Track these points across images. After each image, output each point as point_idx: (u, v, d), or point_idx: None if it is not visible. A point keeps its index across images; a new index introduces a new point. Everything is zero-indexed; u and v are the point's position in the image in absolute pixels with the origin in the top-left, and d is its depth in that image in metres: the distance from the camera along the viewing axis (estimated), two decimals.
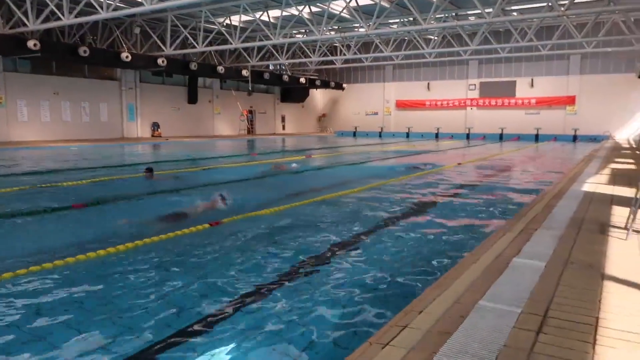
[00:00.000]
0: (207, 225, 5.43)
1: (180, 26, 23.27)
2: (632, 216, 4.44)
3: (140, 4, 16.01)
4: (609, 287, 3.03)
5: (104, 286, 3.88)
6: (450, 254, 4.85)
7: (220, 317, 3.32)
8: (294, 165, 12.80)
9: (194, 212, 6.32)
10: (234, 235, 5.39)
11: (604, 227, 4.69)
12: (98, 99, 25.63)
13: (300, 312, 3.36)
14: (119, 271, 4.22)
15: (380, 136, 35.75)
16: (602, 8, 16.82)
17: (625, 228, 4.50)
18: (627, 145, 21.03)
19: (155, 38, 24.51)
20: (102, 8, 16.00)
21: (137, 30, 24.15)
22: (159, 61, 24.11)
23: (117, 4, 18.35)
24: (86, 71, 25.20)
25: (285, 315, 3.31)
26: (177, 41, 24.02)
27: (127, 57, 22.72)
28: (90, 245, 4.83)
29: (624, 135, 29.48)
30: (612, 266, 3.43)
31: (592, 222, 4.94)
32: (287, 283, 3.97)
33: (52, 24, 17.66)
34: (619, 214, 5.30)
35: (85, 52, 20.98)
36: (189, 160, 14.95)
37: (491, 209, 7.33)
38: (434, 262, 4.57)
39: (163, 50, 24.20)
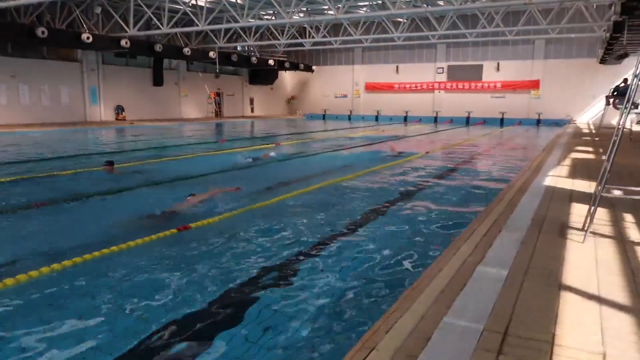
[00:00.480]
0: (174, 231, 5.32)
1: (143, 6, 22.49)
2: (589, 218, 4.61)
3: None
4: (565, 298, 3.15)
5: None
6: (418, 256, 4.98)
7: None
8: (272, 153, 12.79)
9: (159, 214, 6.18)
10: (205, 241, 5.26)
11: (563, 229, 4.86)
12: (58, 82, 24.71)
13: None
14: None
15: (349, 119, 35.87)
16: None
17: (583, 229, 4.68)
18: (587, 131, 21.73)
19: (118, 18, 23.67)
20: None
21: (98, 10, 23.27)
22: (122, 42, 23.34)
23: None
24: (45, 52, 24.18)
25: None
26: (141, 22, 23.24)
27: (88, 38, 21.91)
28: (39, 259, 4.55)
29: (584, 119, 30.44)
30: (569, 274, 3.57)
31: (552, 222, 5.11)
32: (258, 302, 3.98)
33: (6, 4, 16.82)
34: (578, 212, 5.50)
35: (43, 33, 20.11)
36: (154, 149, 14.59)
37: (458, 205, 7.49)
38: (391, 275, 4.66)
39: (126, 31, 23.40)
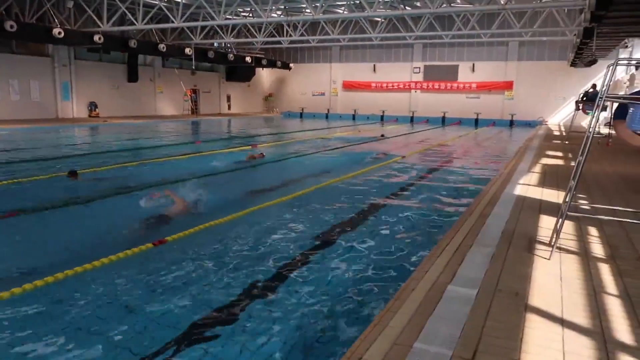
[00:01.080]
0: (150, 245, 5.28)
1: (117, 1, 22.06)
2: (555, 234, 4.77)
3: None
4: (531, 320, 3.28)
5: None
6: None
7: None
8: (260, 152, 13.30)
9: (129, 228, 6.07)
10: (185, 256, 5.19)
11: (531, 243, 5.02)
12: (28, 77, 24.11)
13: None
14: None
15: (327, 118, 35.91)
16: (537, 4, 17.56)
17: (550, 244, 4.85)
18: (558, 133, 22.29)
19: (91, 13, 23.17)
20: None
21: (70, 4, 22.71)
22: (95, 38, 22.84)
23: None
24: (14, 46, 23.52)
25: None
26: (115, 17, 22.79)
27: (59, 33, 21.39)
28: None
29: (556, 120, 31.21)
30: (535, 294, 3.71)
31: (521, 236, 5.27)
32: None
33: None
34: (546, 225, 5.68)
35: (11, 26, 19.55)
36: (126, 151, 14.28)
37: (433, 217, 7.66)
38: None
39: (99, 26, 22.91)
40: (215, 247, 5.56)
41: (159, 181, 9.28)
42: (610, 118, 5.88)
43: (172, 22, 22.37)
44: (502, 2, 16.53)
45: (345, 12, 25.04)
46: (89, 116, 26.64)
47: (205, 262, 5.05)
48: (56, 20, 23.16)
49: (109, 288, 4.33)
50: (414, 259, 5.58)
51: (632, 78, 25.88)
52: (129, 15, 22.60)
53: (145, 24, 22.80)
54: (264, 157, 12.87)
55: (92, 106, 26.94)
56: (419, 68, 35.51)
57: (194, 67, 30.42)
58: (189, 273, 4.74)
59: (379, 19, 28.67)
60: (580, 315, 3.39)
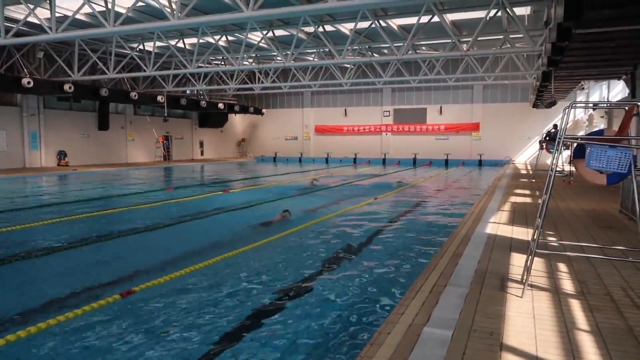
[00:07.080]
0: (117, 297, 5.12)
1: (88, 51, 22.19)
2: (526, 272, 4.85)
3: (44, 32, 15.01)
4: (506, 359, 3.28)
5: None
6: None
7: None
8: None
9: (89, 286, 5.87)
10: (151, 309, 5.10)
11: (503, 282, 5.08)
12: None
13: None
14: None
15: (300, 162, 36.16)
16: (497, 50, 18.51)
17: (522, 282, 4.92)
18: (525, 172, 22.97)
19: (61, 63, 23.16)
20: None
21: (40, 55, 22.70)
22: (66, 87, 22.78)
23: (20, 27, 16.67)
24: None
25: None
26: (86, 66, 22.83)
27: (28, 82, 21.26)
28: None
29: (522, 159, 32.23)
30: (509, 333, 3.73)
31: (494, 275, 5.33)
32: None
33: None
34: (517, 263, 5.77)
35: None
36: (85, 202, 13.64)
37: (406, 261, 7.69)
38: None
39: (70, 76, 22.87)
40: None
41: (123, 230, 9.05)
42: (570, 157, 6.12)
43: (144, 70, 22.52)
44: (465, 49, 17.34)
45: (315, 60, 25.78)
46: (58, 165, 26.15)
47: None
48: (25, 70, 23.06)
49: None
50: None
51: (590, 118, 27.15)
52: (100, 64, 22.69)
53: (117, 72, 22.89)
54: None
55: (62, 155, 26.49)
56: (389, 111, 36.45)
57: (166, 115, 30.49)
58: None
59: (348, 66, 29.58)
60: (554, 352, 3.41)
